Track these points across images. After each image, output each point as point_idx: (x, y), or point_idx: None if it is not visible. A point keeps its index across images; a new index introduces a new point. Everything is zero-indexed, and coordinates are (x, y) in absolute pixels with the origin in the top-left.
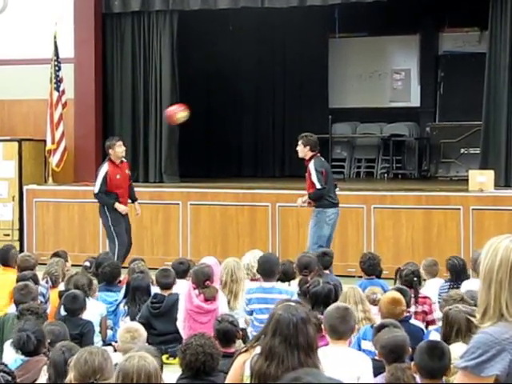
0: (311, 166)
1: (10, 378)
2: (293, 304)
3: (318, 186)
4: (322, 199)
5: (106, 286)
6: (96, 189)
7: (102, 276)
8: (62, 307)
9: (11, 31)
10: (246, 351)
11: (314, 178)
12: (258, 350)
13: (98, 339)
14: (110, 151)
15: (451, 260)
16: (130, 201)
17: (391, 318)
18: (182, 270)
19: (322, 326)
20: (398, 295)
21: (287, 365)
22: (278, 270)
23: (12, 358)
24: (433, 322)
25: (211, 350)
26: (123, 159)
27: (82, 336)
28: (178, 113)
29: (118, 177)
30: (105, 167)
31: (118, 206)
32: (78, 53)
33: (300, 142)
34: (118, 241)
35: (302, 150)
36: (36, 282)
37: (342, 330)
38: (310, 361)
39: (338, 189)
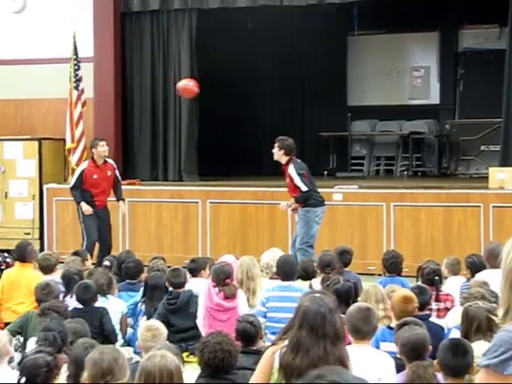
0: (291, 170)
1: (50, 359)
2: (318, 295)
3: (305, 188)
4: (308, 199)
5: (129, 284)
6: (71, 184)
7: (126, 271)
8: (75, 298)
9: (30, 31)
10: (273, 345)
11: (298, 182)
12: (286, 342)
13: (118, 337)
14: (93, 150)
15: (471, 258)
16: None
17: (404, 316)
18: (192, 269)
19: (345, 325)
20: (409, 293)
21: (312, 355)
22: (298, 270)
23: None
24: None
25: (229, 347)
26: (108, 160)
27: (104, 323)
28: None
29: (94, 177)
30: (83, 165)
31: (82, 204)
32: (98, 52)
33: (275, 145)
34: (86, 237)
35: (277, 153)
36: (81, 277)
37: (365, 330)
38: (337, 351)
39: None
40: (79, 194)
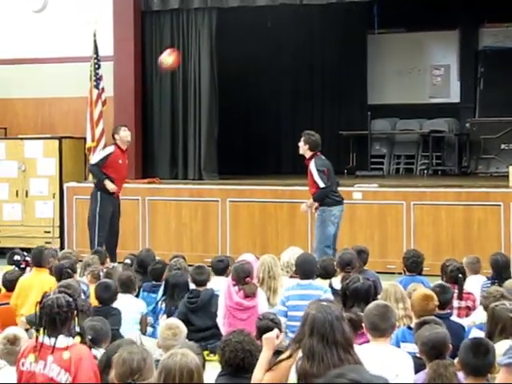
0: (312, 166)
1: (71, 300)
2: (325, 303)
3: (322, 184)
4: (325, 198)
5: (153, 286)
6: (94, 160)
7: (153, 273)
8: (95, 296)
9: (51, 30)
10: (289, 357)
11: (317, 178)
12: (300, 353)
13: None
14: (116, 136)
15: (494, 256)
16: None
17: (424, 315)
18: (221, 268)
19: (363, 323)
20: (430, 291)
21: (327, 363)
22: (317, 269)
23: None
24: None
25: (250, 346)
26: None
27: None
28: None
29: (119, 161)
30: (110, 148)
31: (107, 182)
32: (118, 51)
33: (301, 139)
34: (96, 238)
35: (302, 147)
36: (74, 270)
37: (383, 327)
38: (351, 358)
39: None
40: (101, 172)
